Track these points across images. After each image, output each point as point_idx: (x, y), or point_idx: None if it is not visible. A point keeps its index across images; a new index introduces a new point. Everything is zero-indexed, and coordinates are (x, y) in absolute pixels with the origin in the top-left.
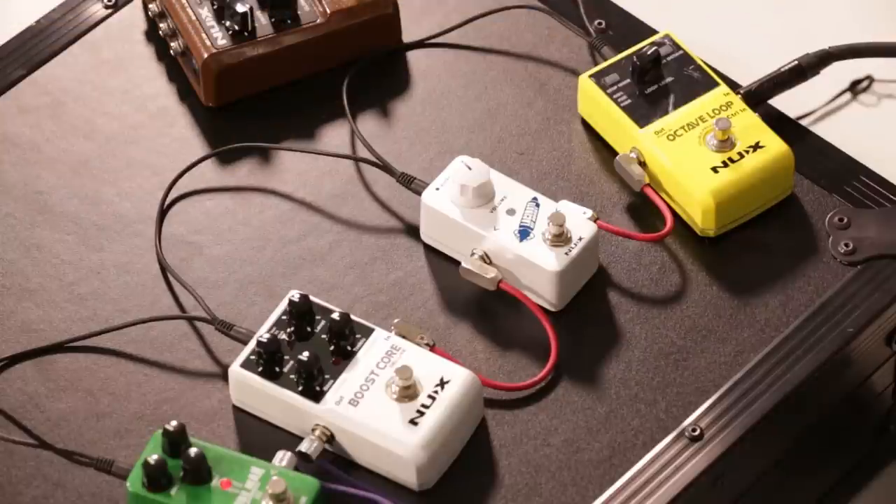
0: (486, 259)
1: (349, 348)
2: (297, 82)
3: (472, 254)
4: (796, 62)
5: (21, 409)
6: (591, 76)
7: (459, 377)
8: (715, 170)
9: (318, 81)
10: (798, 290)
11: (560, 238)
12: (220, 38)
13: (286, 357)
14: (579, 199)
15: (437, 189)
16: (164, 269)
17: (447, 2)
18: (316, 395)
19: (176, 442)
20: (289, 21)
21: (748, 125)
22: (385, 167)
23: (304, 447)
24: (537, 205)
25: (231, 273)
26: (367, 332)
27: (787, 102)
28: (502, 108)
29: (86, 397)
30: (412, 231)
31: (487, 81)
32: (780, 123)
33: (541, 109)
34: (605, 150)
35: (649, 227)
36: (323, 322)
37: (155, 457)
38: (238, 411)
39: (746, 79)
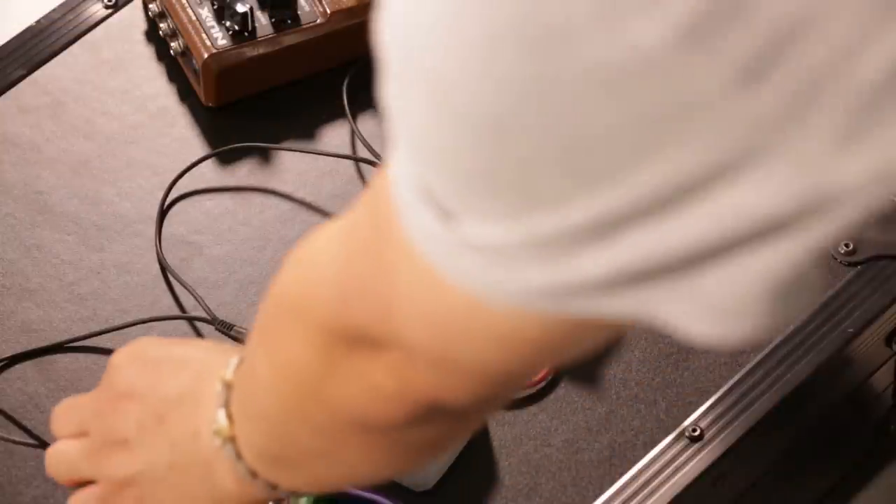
0: None
1: None
2: (297, 82)
3: None
4: None
5: (21, 409)
6: None
7: None
8: None
9: (318, 81)
10: None
11: None
12: (220, 38)
13: None
14: None
15: None
16: (164, 269)
17: None
18: None
19: None
20: (289, 21)
21: None
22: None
23: None
24: None
25: (231, 273)
26: None
27: None
28: None
29: None
30: None
31: None
32: None
33: None
34: None
35: None
36: None
37: None
38: None
39: None
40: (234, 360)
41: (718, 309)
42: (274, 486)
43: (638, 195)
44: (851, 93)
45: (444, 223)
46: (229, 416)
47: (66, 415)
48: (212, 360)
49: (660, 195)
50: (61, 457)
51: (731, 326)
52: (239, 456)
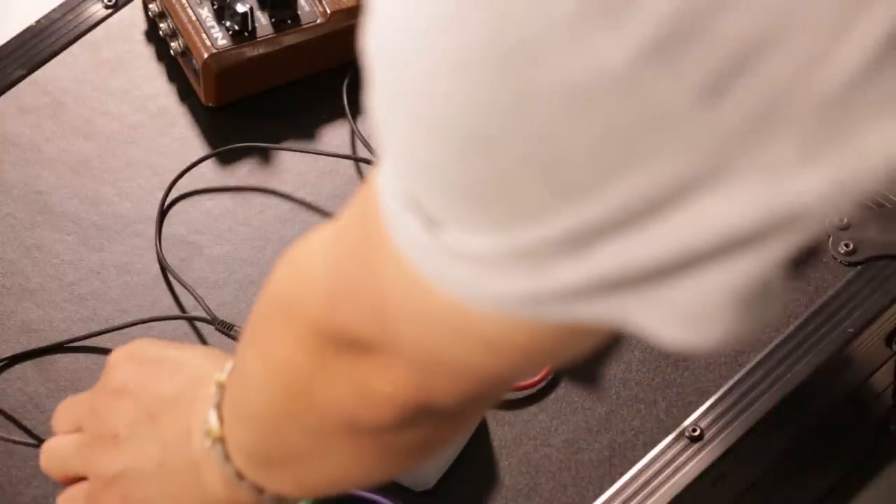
0: None
1: None
2: (297, 82)
3: None
4: None
5: (21, 409)
6: None
7: None
8: None
9: (318, 81)
10: (798, 291)
11: None
12: (220, 38)
13: None
14: None
15: None
16: (164, 269)
17: None
18: None
19: None
20: (289, 21)
21: None
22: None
23: None
24: None
25: (231, 273)
26: None
27: None
28: None
29: None
30: None
31: None
32: None
33: None
34: None
35: None
36: None
37: None
38: None
39: None
40: (229, 364)
41: (688, 317)
42: (261, 490)
43: (612, 209)
44: (812, 106)
45: (429, 232)
46: (220, 418)
47: (65, 412)
48: (208, 364)
49: (632, 209)
50: (54, 452)
51: (701, 333)
52: (227, 457)
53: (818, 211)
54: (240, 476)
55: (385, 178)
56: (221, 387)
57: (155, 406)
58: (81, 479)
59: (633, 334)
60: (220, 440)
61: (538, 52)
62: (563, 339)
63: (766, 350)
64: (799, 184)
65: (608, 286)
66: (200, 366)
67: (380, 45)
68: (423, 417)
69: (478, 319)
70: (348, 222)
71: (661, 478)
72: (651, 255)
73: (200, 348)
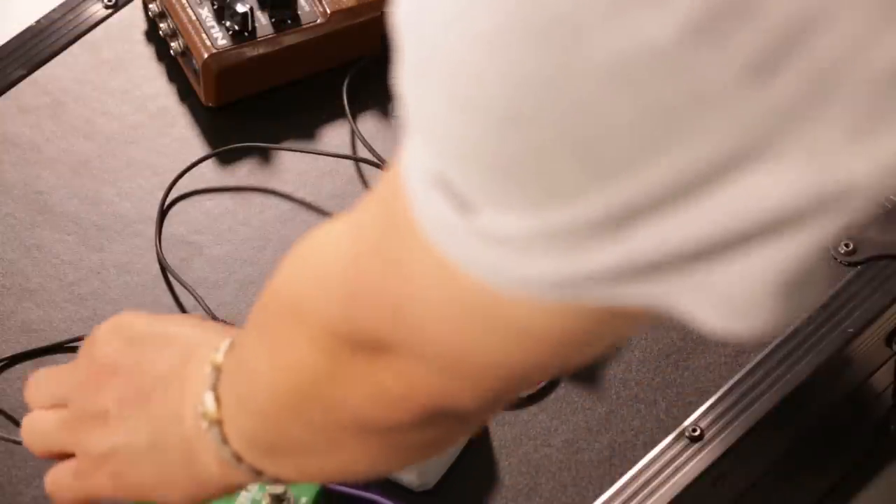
0: None
1: None
2: (297, 82)
3: None
4: None
5: (21, 409)
6: None
7: None
8: None
9: (318, 81)
10: None
11: None
12: (220, 38)
13: None
14: None
15: None
16: (164, 269)
17: None
18: None
19: None
20: (289, 21)
21: None
22: (385, 167)
23: None
24: None
25: (231, 273)
26: None
27: None
28: None
29: None
30: None
31: None
32: None
33: None
34: None
35: None
36: None
37: None
38: None
39: None
40: (224, 344)
41: (730, 302)
42: (259, 473)
43: (652, 188)
44: (864, 86)
45: (460, 213)
46: (217, 400)
47: (43, 385)
48: (198, 338)
49: (673, 188)
50: (37, 426)
51: (741, 319)
52: (225, 440)
53: (865, 192)
54: (238, 458)
55: (413, 158)
56: (217, 368)
57: (145, 384)
58: (65, 455)
59: (670, 318)
60: (217, 422)
61: (578, 28)
62: (598, 325)
63: (766, 350)
64: (847, 163)
65: (648, 268)
66: (189, 338)
67: (410, 22)
68: (438, 418)
69: (508, 305)
70: (364, 219)
71: (661, 478)
72: (693, 235)
73: (188, 319)
